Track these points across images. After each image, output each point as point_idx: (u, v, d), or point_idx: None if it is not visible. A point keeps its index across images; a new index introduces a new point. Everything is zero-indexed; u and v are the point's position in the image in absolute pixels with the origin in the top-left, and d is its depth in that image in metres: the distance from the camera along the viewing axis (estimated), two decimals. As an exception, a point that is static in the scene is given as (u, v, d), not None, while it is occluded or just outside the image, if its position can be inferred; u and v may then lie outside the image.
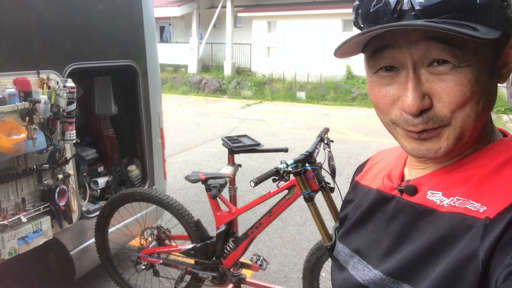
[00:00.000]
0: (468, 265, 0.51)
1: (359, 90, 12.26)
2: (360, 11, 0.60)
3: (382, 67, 0.60)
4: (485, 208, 0.54)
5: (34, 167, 2.07)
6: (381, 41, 0.58)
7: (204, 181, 2.28)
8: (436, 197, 0.61)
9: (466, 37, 0.50)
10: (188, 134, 7.99)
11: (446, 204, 0.59)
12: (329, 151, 2.13)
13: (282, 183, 2.05)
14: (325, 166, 2.09)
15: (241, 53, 15.65)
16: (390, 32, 0.56)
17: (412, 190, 0.65)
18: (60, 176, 2.20)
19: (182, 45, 16.73)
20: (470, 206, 0.55)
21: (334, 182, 2.07)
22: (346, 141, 7.14)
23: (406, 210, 0.65)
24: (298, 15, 13.74)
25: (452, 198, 0.59)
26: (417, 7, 0.52)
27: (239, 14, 15.19)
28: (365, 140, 7.35)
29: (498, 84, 0.61)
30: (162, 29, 19.15)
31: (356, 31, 0.61)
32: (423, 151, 0.60)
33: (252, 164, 5.78)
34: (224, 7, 14.80)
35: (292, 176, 2.03)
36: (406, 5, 0.53)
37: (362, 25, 0.60)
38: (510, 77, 0.62)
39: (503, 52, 0.58)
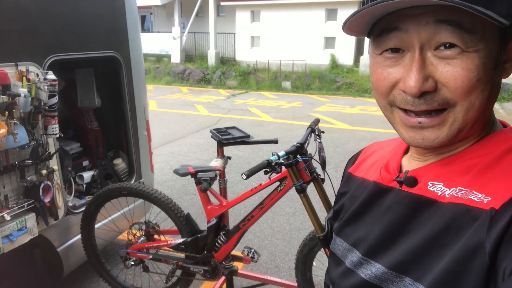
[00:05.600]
0: (474, 257, 0.50)
1: (343, 79, 12.31)
2: None
3: (388, 48, 0.58)
4: (490, 199, 0.53)
5: (16, 163, 2.00)
6: (389, 23, 0.57)
7: (194, 174, 2.24)
8: (437, 188, 0.60)
9: (474, 22, 0.51)
10: (173, 125, 7.89)
11: (448, 194, 0.58)
12: (320, 142, 2.11)
13: (274, 175, 2.03)
14: (316, 157, 2.07)
15: (225, 43, 15.47)
16: (400, 14, 0.55)
17: (412, 181, 0.64)
18: (44, 171, 2.13)
19: (164, 34, 16.44)
20: (474, 197, 0.54)
21: (325, 172, 2.06)
22: (332, 131, 7.17)
23: (405, 201, 0.63)
24: (281, 4, 13.64)
25: (454, 188, 0.58)
26: None
27: (222, 3, 14.98)
28: (350, 129, 7.40)
29: None
30: (143, 18, 18.78)
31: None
32: (418, 139, 0.59)
33: (240, 155, 5.75)
34: (206, -5, 14.61)
35: (283, 168, 2.01)
36: None
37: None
38: None
39: (508, 47, 0.57)
